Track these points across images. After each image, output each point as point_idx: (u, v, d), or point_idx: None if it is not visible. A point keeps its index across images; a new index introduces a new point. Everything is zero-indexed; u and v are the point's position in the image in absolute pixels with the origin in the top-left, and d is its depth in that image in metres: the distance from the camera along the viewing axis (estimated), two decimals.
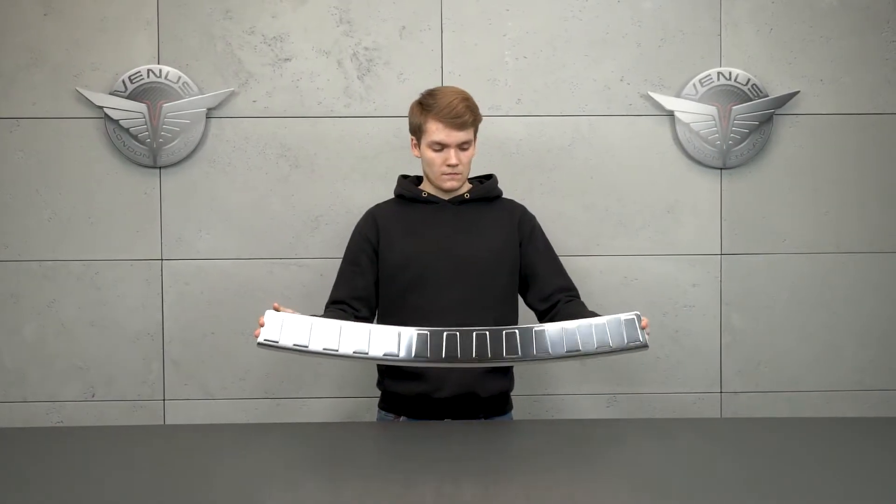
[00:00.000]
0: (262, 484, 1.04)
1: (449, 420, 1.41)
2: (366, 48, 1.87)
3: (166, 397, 1.88)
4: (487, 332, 1.24)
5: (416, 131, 1.44)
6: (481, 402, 1.42)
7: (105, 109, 1.83)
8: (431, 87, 1.48)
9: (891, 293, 1.91)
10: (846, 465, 1.11)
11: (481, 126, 1.49)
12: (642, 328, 1.25)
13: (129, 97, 1.83)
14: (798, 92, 1.88)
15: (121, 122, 1.84)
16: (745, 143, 1.88)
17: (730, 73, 1.87)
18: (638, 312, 1.27)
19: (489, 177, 1.54)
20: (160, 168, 1.86)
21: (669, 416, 1.88)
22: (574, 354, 1.24)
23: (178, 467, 1.12)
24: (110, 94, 1.83)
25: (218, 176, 1.87)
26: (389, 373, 1.44)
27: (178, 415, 1.87)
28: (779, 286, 1.91)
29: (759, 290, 1.91)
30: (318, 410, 1.89)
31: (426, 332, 1.24)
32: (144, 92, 1.83)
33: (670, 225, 1.90)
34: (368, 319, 1.49)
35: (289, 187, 1.87)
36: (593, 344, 1.24)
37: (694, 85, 1.87)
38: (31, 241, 1.86)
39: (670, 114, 1.88)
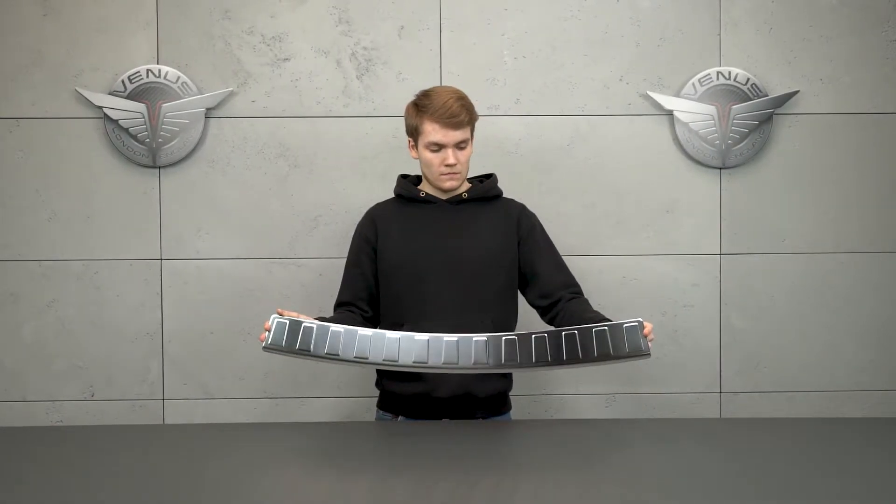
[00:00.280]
0: (260, 483, 1.05)
1: (447, 420, 1.42)
2: (364, 48, 1.88)
3: (165, 397, 1.89)
4: (487, 339, 1.25)
5: (413, 133, 1.45)
6: (479, 402, 1.43)
7: (104, 109, 1.85)
8: (430, 86, 1.49)
9: (890, 293, 1.92)
10: (845, 466, 1.11)
11: (480, 126, 1.50)
12: (644, 336, 1.24)
13: (128, 97, 1.85)
14: (797, 91, 1.89)
15: (120, 122, 1.85)
16: (744, 142, 1.89)
17: (729, 73, 1.88)
18: (640, 319, 1.25)
19: (489, 176, 1.55)
20: (159, 168, 1.88)
21: (668, 416, 1.89)
22: (574, 362, 1.24)
23: (178, 467, 1.13)
24: (109, 94, 1.85)
25: (217, 176, 1.88)
26: (388, 373, 1.44)
27: (177, 414, 1.89)
28: (778, 286, 1.92)
29: (759, 290, 1.92)
30: (317, 410, 1.90)
31: (426, 337, 1.25)
32: (144, 92, 1.85)
33: (669, 225, 1.91)
34: (376, 319, 1.50)
35: (288, 187, 1.88)
36: (594, 352, 1.23)
37: (693, 84, 1.88)
38: (31, 240, 1.87)
39: (669, 113, 1.89)
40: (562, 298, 1.44)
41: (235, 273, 1.89)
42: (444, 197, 1.48)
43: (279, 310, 1.31)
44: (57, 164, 1.87)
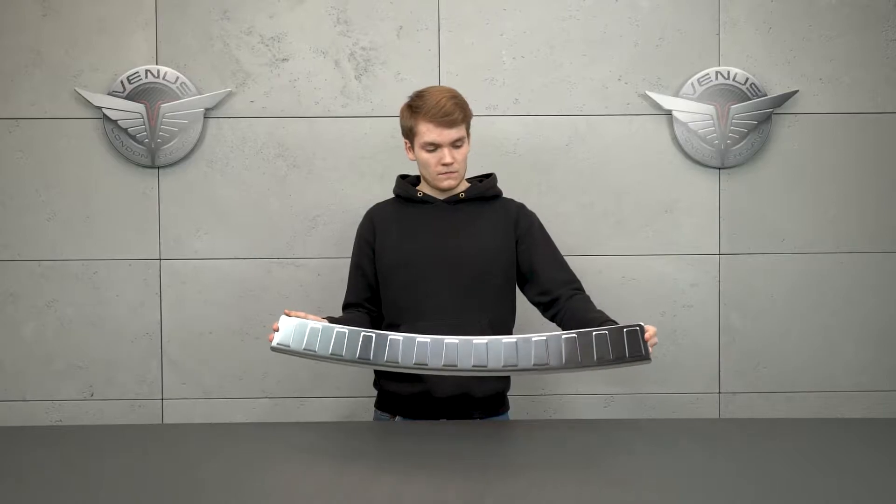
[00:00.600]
0: (258, 483, 1.07)
1: (444, 420, 1.43)
2: (363, 48, 1.89)
3: (164, 396, 1.91)
4: (487, 342, 1.26)
5: (408, 134, 1.47)
6: (476, 402, 1.45)
7: (103, 110, 1.86)
8: (428, 86, 1.49)
9: (890, 293, 1.93)
10: (844, 467, 1.11)
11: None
12: (645, 340, 1.23)
13: (127, 97, 1.86)
14: (797, 91, 1.90)
15: (119, 122, 1.86)
16: (743, 142, 1.90)
17: (728, 73, 1.89)
18: (641, 324, 1.25)
19: (489, 176, 1.55)
20: (158, 168, 1.89)
21: (667, 416, 1.90)
22: (573, 366, 1.24)
23: (176, 466, 1.15)
24: (108, 94, 1.86)
25: (216, 176, 1.90)
26: (385, 373, 1.45)
27: (176, 414, 1.90)
28: (777, 286, 1.93)
29: (758, 290, 1.93)
30: (316, 410, 1.91)
31: (427, 339, 1.27)
32: (142, 92, 1.86)
33: (668, 225, 1.92)
34: (383, 317, 1.52)
35: (286, 187, 1.90)
36: (593, 356, 1.23)
37: (692, 84, 1.89)
38: (30, 240, 1.89)
39: (668, 113, 1.90)
40: (562, 295, 1.44)
41: (234, 273, 1.90)
42: (441, 197, 1.50)
43: (287, 311, 1.33)
44: (56, 165, 1.89)
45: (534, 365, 1.25)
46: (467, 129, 1.46)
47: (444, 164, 1.43)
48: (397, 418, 1.47)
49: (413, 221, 1.48)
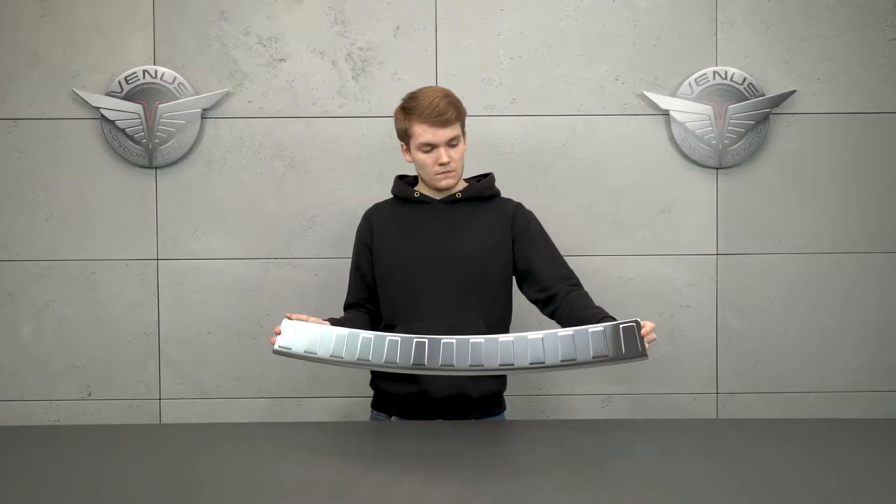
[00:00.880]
0: (255, 482, 1.08)
1: (440, 420, 1.44)
2: (360, 48, 1.91)
3: (162, 396, 1.93)
4: (484, 341, 1.28)
5: (404, 136, 1.48)
6: (472, 402, 1.46)
7: (101, 110, 1.88)
8: (421, 88, 1.50)
9: (888, 293, 1.94)
10: (842, 467, 1.12)
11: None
12: (642, 337, 1.24)
13: (124, 98, 1.88)
14: (795, 91, 1.91)
15: (117, 122, 1.88)
16: (741, 142, 1.91)
17: (726, 73, 1.90)
18: (637, 319, 1.26)
19: (486, 176, 1.57)
20: (156, 168, 1.91)
21: (665, 416, 1.92)
22: (569, 364, 1.26)
23: (174, 466, 1.16)
24: (106, 94, 1.88)
25: (213, 176, 1.92)
26: (382, 373, 1.47)
27: (173, 414, 1.92)
28: (775, 286, 1.94)
29: (756, 291, 1.94)
30: (314, 410, 1.93)
31: (424, 339, 1.29)
32: (140, 92, 1.88)
33: (666, 225, 1.93)
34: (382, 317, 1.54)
35: (284, 187, 1.92)
36: (589, 353, 1.24)
37: (689, 84, 1.90)
38: (29, 240, 1.91)
39: (666, 113, 1.91)
40: (560, 291, 1.44)
41: (232, 273, 1.92)
42: (439, 197, 1.51)
43: (287, 314, 1.36)
44: (54, 165, 1.91)
45: (530, 363, 1.27)
46: (462, 127, 1.47)
47: (441, 164, 1.44)
48: (393, 418, 1.49)
49: (410, 222, 1.50)
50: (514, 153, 1.92)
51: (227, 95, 1.90)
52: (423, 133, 1.42)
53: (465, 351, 1.27)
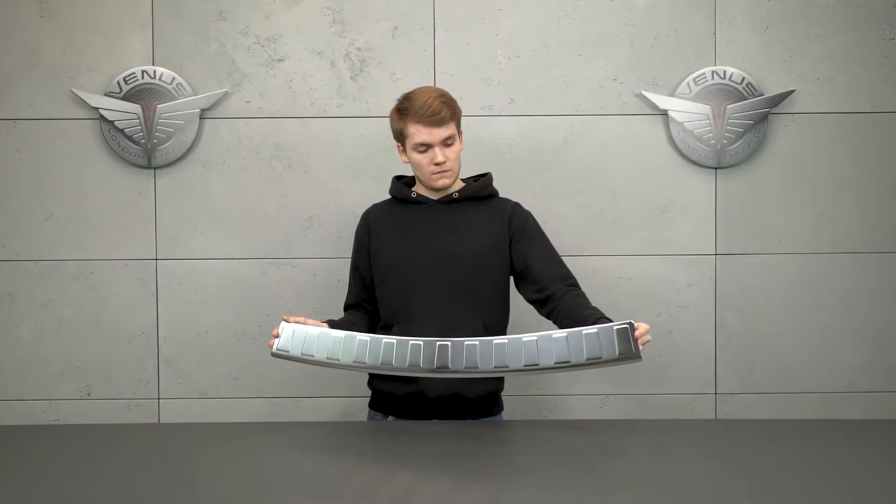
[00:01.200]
0: (253, 482, 1.10)
1: (437, 420, 1.46)
2: (358, 48, 1.93)
3: (161, 396, 1.95)
4: (478, 343, 1.30)
5: (399, 137, 1.50)
6: (468, 402, 1.48)
7: (100, 110, 1.91)
8: (416, 88, 1.52)
9: (888, 294, 1.96)
10: (841, 468, 1.13)
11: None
12: (636, 339, 1.26)
13: (123, 98, 1.91)
14: (794, 91, 1.92)
15: (116, 122, 1.91)
16: (739, 142, 1.93)
17: (724, 72, 1.92)
18: (631, 321, 1.27)
19: (484, 176, 1.58)
20: (155, 168, 1.93)
21: (663, 417, 1.93)
22: (563, 366, 1.28)
23: (173, 465, 1.18)
24: (105, 95, 1.91)
25: (212, 176, 1.94)
26: (378, 373, 1.49)
27: (172, 413, 1.95)
28: (774, 286, 1.95)
29: (755, 291, 1.95)
30: (311, 410, 1.96)
31: (420, 342, 1.31)
32: (139, 93, 1.90)
33: (664, 225, 1.95)
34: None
35: (282, 187, 1.94)
36: (583, 355, 1.26)
37: (688, 84, 1.92)
38: (28, 240, 1.93)
39: (664, 113, 1.93)
40: (557, 292, 1.46)
41: (230, 273, 1.94)
42: (436, 197, 1.53)
43: (285, 317, 1.39)
44: (53, 165, 1.93)
45: (525, 365, 1.28)
46: (458, 127, 1.49)
47: (437, 164, 1.46)
48: (390, 418, 1.51)
49: (408, 222, 1.52)
50: (512, 153, 1.94)
51: (225, 96, 1.92)
52: (418, 133, 1.44)
53: (460, 353, 1.29)
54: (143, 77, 1.91)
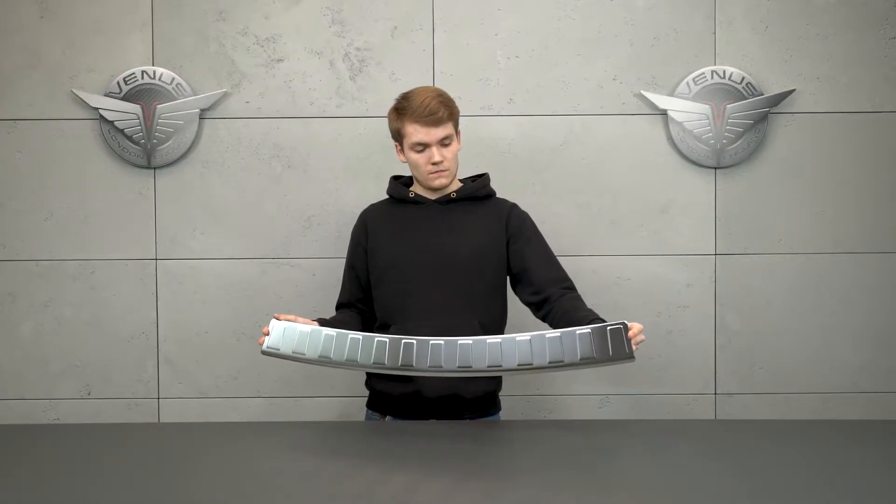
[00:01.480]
0: (252, 481, 1.11)
1: (434, 420, 1.47)
2: (357, 48, 1.94)
3: (161, 395, 1.97)
4: (472, 342, 1.31)
5: (397, 136, 1.52)
6: (466, 402, 1.49)
7: (100, 111, 1.92)
8: (414, 88, 1.53)
9: (888, 294, 1.96)
10: (841, 469, 1.13)
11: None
12: (629, 339, 1.27)
13: (123, 98, 1.92)
14: (794, 90, 1.93)
15: (115, 123, 1.92)
16: (739, 142, 1.93)
17: (724, 72, 1.92)
18: (625, 321, 1.28)
19: (481, 176, 1.59)
20: (154, 168, 1.95)
21: (663, 417, 1.94)
22: (557, 365, 1.29)
23: (172, 464, 1.20)
24: (105, 95, 1.92)
25: (211, 176, 1.95)
26: (376, 373, 1.50)
27: (172, 413, 1.96)
28: (774, 287, 1.96)
29: (755, 291, 1.96)
30: (310, 409, 1.97)
31: (413, 341, 1.32)
32: (139, 93, 1.92)
33: (664, 225, 1.96)
34: (375, 317, 1.57)
35: (281, 187, 1.95)
36: (577, 355, 1.27)
37: (687, 83, 1.93)
38: (28, 240, 1.95)
39: (664, 113, 1.94)
40: (553, 295, 1.47)
41: (230, 273, 1.95)
42: (433, 197, 1.54)
43: (276, 314, 1.39)
44: (53, 165, 1.94)
45: (518, 365, 1.29)
46: (455, 127, 1.50)
47: (434, 164, 1.47)
48: (388, 418, 1.52)
49: (405, 222, 1.53)
50: (511, 153, 1.95)
51: (225, 96, 1.94)
52: (415, 133, 1.45)
53: (453, 352, 1.30)
54: (142, 77, 1.92)
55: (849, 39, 1.94)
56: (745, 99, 1.93)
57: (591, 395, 1.98)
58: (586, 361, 1.28)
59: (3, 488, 1.08)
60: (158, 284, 1.96)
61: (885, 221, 1.96)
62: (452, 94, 1.52)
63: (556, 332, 1.30)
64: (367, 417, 1.57)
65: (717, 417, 1.97)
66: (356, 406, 1.90)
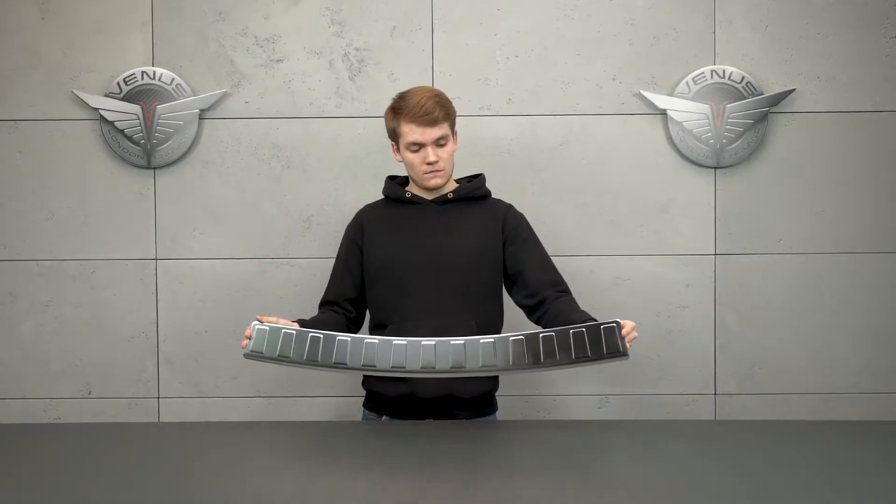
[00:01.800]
0: (251, 480, 1.12)
1: (431, 420, 1.48)
2: (357, 49, 1.94)
3: (161, 395, 1.98)
4: (464, 342, 1.31)
5: (393, 136, 1.52)
6: (462, 403, 1.50)
7: (100, 111, 1.93)
8: (411, 88, 1.54)
9: (888, 294, 1.97)
10: (841, 469, 1.14)
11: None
12: (622, 337, 1.28)
13: (123, 99, 1.93)
14: (794, 90, 1.93)
15: (115, 123, 1.93)
16: (739, 141, 1.94)
17: (723, 71, 1.93)
18: (618, 320, 1.30)
19: (477, 176, 1.60)
20: (154, 169, 1.95)
21: (662, 417, 1.95)
22: (551, 364, 1.29)
23: (172, 463, 1.21)
24: (105, 95, 1.93)
25: (211, 176, 1.96)
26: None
27: (172, 412, 1.97)
28: (774, 287, 1.97)
29: (754, 291, 1.97)
30: (309, 409, 1.98)
31: (404, 342, 1.31)
32: (139, 93, 1.93)
33: (664, 225, 1.96)
34: (359, 320, 1.57)
35: (281, 187, 1.96)
36: (571, 354, 1.28)
37: (687, 83, 1.93)
38: (29, 240, 1.96)
39: (663, 113, 1.94)
40: (547, 297, 1.48)
41: (229, 273, 1.96)
42: (429, 197, 1.55)
43: (259, 317, 1.38)
44: (54, 166, 1.95)
45: (511, 364, 1.30)
46: (451, 127, 1.51)
47: (429, 164, 1.48)
48: (384, 418, 1.53)
49: (401, 222, 1.54)
50: (510, 153, 1.95)
51: (224, 96, 1.94)
52: (411, 132, 1.46)
53: (445, 353, 1.29)
54: (142, 78, 1.93)
55: (849, 39, 1.94)
56: (745, 98, 1.93)
57: (590, 396, 1.99)
58: (581, 359, 1.28)
59: (3, 488, 1.09)
60: (158, 284, 1.97)
61: (885, 221, 1.96)
62: (451, 94, 1.53)
63: (550, 332, 1.31)
64: (364, 417, 1.58)
65: (717, 418, 1.97)
66: (354, 406, 1.90)
